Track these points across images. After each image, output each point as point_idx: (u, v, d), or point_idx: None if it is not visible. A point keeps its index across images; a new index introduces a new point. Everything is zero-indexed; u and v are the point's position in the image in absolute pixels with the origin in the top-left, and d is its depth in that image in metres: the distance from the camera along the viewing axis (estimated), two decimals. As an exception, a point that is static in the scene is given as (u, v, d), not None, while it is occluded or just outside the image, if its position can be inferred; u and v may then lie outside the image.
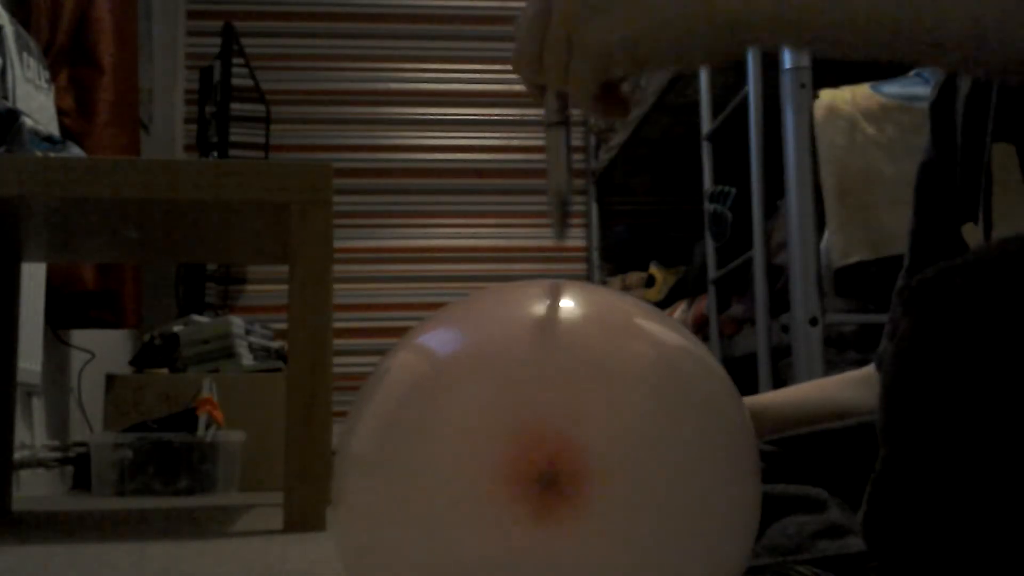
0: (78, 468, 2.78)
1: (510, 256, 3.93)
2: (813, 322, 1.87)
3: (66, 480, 2.78)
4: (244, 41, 3.71)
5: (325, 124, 3.92)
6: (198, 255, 2.56)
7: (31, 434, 2.51)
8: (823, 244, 1.95)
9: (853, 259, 1.93)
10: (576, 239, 3.92)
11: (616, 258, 3.82)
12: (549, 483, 0.44)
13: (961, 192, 0.73)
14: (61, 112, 2.51)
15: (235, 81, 3.55)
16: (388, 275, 3.86)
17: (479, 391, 0.47)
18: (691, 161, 2.81)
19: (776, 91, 2.00)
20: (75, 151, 1.71)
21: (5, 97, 1.99)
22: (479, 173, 3.97)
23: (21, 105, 2.00)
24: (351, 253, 3.77)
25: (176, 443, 2.50)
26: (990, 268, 0.42)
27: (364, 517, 0.49)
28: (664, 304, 3.08)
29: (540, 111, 0.62)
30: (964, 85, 0.73)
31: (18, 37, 2.14)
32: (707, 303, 2.59)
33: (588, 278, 3.86)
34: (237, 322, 3.03)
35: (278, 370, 2.94)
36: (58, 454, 2.67)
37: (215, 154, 3.41)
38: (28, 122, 1.63)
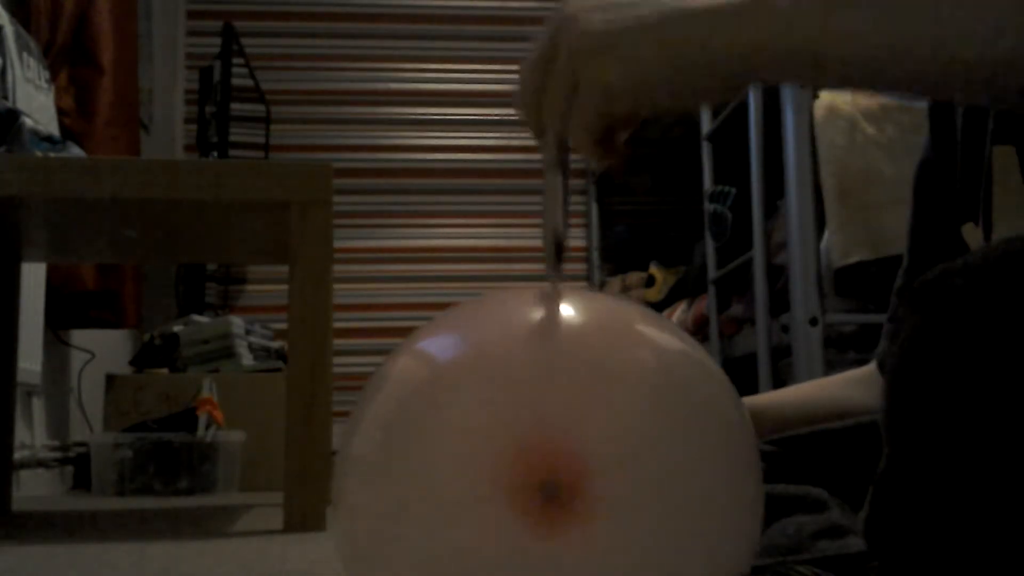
0: (78, 468, 2.78)
1: (510, 256, 3.93)
2: (813, 322, 1.87)
3: (66, 480, 2.78)
4: (244, 41, 3.71)
5: (325, 124, 3.92)
6: (198, 255, 2.56)
7: (31, 434, 2.51)
8: (823, 244, 1.96)
9: (853, 259, 1.93)
10: (576, 239, 3.92)
11: (616, 258, 3.83)
12: (550, 488, 0.44)
13: (961, 192, 0.73)
14: (61, 112, 2.51)
15: (235, 81, 3.55)
16: (388, 275, 3.86)
17: (481, 395, 0.47)
18: (691, 161, 2.81)
19: (776, 91, 2.01)
20: (75, 151, 1.71)
21: (5, 97, 1.99)
22: (479, 173, 3.97)
23: (21, 105, 2.00)
24: (351, 253, 3.77)
25: (176, 443, 2.50)
26: (993, 269, 0.42)
27: (365, 520, 0.49)
28: (664, 304, 3.09)
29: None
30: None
31: (18, 37, 2.14)
32: (707, 303, 2.59)
33: (588, 278, 3.86)
34: (237, 322, 3.03)
35: (278, 370, 2.94)
36: (58, 454, 2.67)
37: (215, 154, 3.41)
38: (28, 122, 1.63)
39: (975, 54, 0.48)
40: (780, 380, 2.08)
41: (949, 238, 0.74)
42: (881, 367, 0.82)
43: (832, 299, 1.97)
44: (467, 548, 0.45)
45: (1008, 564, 0.41)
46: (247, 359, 2.97)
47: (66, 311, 2.64)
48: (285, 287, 1.61)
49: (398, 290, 3.86)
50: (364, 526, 0.49)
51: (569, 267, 3.90)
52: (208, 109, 3.58)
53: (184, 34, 3.89)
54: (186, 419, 2.54)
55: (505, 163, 3.97)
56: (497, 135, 3.98)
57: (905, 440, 0.44)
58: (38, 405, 2.58)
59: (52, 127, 2.25)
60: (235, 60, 3.57)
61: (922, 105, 0.84)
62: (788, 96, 1.96)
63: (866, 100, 1.99)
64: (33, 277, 2.31)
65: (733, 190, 2.45)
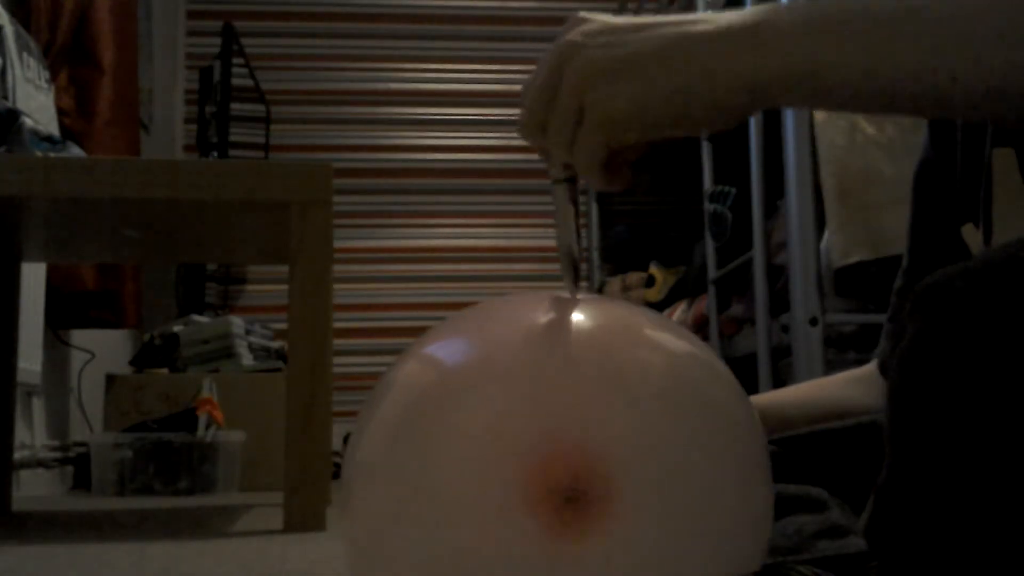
0: (78, 468, 2.78)
1: (510, 256, 3.93)
2: (813, 322, 1.87)
3: (66, 480, 2.78)
4: (244, 41, 3.71)
5: (325, 124, 3.92)
6: (198, 255, 2.56)
7: (31, 434, 2.51)
8: (823, 244, 1.95)
9: (853, 259, 1.93)
10: (576, 239, 3.92)
11: (616, 258, 3.83)
12: (565, 491, 0.44)
13: (960, 192, 0.73)
14: (61, 112, 2.51)
15: (235, 81, 3.55)
16: (388, 275, 3.86)
17: (495, 398, 0.47)
18: (691, 161, 2.81)
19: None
20: (75, 151, 1.71)
21: (5, 97, 1.99)
22: (479, 173, 3.97)
23: (21, 105, 2.00)
24: (351, 253, 3.77)
25: (176, 443, 2.50)
26: (996, 274, 0.42)
27: (373, 523, 0.49)
28: (664, 304, 3.09)
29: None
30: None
31: (18, 37, 2.14)
32: (707, 303, 2.59)
33: (588, 278, 3.86)
34: (237, 322, 3.03)
35: (278, 370, 2.94)
36: (58, 454, 2.67)
37: (215, 154, 3.41)
38: (28, 122, 1.63)
39: (973, 80, 0.48)
40: (780, 380, 2.08)
41: (949, 238, 0.74)
42: (881, 367, 0.82)
43: (832, 299, 1.97)
44: (484, 553, 0.45)
45: (1012, 571, 0.41)
46: (247, 359, 2.97)
47: (66, 311, 2.64)
48: (285, 287, 1.61)
49: (398, 290, 3.86)
50: (374, 533, 0.49)
51: (569, 267, 3.90)
52: (208, 109, 3.58)
53: (184, 34, 3.89)
54: (186, 419, 2.54)
55: (505, 163, 3.97)
56: (497, 135, 3.98)
57: (907, 446, 0.44)
58: (38, 405, 2.58)
59: (52, 127, 2.25)
60: (235, 60, 3.57)
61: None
62: (788, 96, 1.96)
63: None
64: (33, 277, 2.31)
65: (733, 190, 2.45)
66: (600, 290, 3.60)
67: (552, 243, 0.57)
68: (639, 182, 3.83)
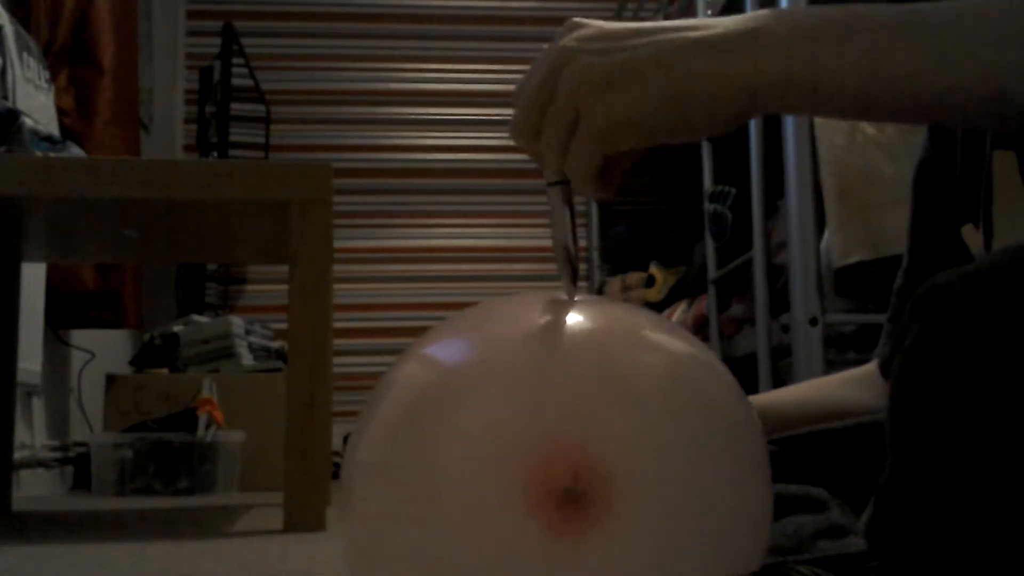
0: (78, 468, 2.78)
1: (510, 256, 3.93)
2: (813, 322, 1.87)
3: (66, 480, 2.78)
4: (244, 41, 3.71)
5: (325, 124, 3.93)
6: (198, 255, 2.56)
7: (31, 434, 2.51)
8: (823, 244, 1.95)
9: (853, 259, 1.93)
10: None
11: (616, 258, 3.82)
12: (565, 492, 0.44)
13: (960, 193, 0.73)
14: (61, 112, 2.51)
15: (235, 81, 3.55)
16: (388, 275, 3.86)
17: (494, 399, 0.47)
18: (691, 161, 2.81)
19: (776, 91, 2.00)
20: (75, 151, 1.71)
21: (5, 97, 1.99)
22: (479, 173, 3.97)
23: (21, 105, 2.00)
24: (351, 253, 3.77)
25: (176, 443, 2.50)
26: (998, 277, 0.42)
27: (374, 524, 0.49)
28: (664, 304, 3.09)
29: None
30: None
31: (18, 37, 2.14)
32: (707, 303, 2.59)
33: (588, 278, 3.86)
34: (237, 322, 3.03)
35: (278, 370, 2.94)
36: (58, 454, 2.67)
37: (215, 154, 3.41)
38: (28, 122, 1.63)
39: (972, 87, 0.48)
40: (780, 380, 2.08)
41: (949, 239, 0.74)
42: (882, 367, 0.82)
43: (832, 299, 1.97)
44: (484, 553, 0.45)
45: (1013, 571, 0.41)
46: (247, 359, 2.97)
47: (66, 311, 2.64)
48: (285, 287, 1.61)
49: (398, 290, 3.86)
50: (372, 529, 0.49)
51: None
52: (208, 109, 3.58)
53: (184, 34, 3.89)
54: (186, 419, 2.54)
55: (505, 163, 3.97)
56: (497, 135, 3.98)
57: (909, 448, 0.44)
58: (38, 405, 2.58)
59: (52, 127, 2.25)
60: (235, 60, 3.57)
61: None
62: (788, 96, 1.96)
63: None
64: (33, 277, 2.31)
65: (733, 190, 2.45)
66: (600, 290, 3.60)
67: (552, 243, 0.56)
68: (639, 182, 3.83)
